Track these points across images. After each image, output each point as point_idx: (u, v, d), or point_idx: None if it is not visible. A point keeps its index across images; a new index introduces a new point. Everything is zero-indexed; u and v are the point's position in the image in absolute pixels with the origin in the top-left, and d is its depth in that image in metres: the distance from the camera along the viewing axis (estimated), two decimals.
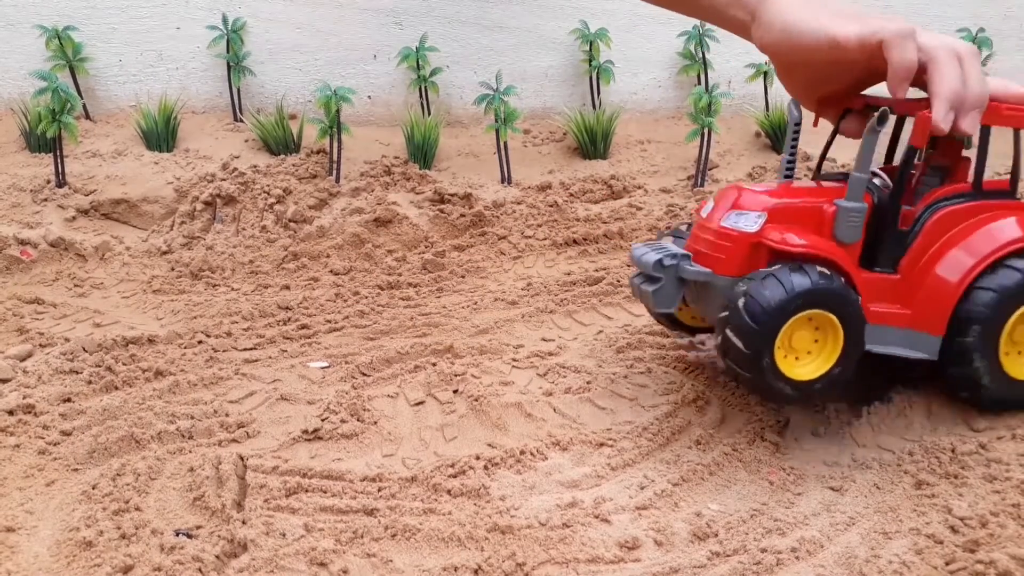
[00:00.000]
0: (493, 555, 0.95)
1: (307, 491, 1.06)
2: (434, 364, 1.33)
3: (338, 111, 1.86)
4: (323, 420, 1.19)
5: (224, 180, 1.80)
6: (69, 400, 1.24)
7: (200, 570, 0.92)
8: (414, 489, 1.07)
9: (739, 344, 1.02)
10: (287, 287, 1.61)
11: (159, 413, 1.21)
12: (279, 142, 1.98)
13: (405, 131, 2.00)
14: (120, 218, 1.82)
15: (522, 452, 1.13)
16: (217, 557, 0.94)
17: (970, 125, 1.03)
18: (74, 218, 1.78)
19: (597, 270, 1.67)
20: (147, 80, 2.15)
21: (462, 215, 1.79)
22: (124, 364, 1.33)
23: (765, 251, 1.07)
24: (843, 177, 1.14)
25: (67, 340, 1.40)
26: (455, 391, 1.27)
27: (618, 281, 1.62)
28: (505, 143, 1.95)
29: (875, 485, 1.07)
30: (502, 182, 1.96)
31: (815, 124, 1.18)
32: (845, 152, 2.00)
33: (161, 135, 2.00)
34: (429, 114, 2.12)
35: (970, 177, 1.11)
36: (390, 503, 1.04)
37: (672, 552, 0.97)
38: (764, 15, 1.12)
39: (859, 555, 0.95)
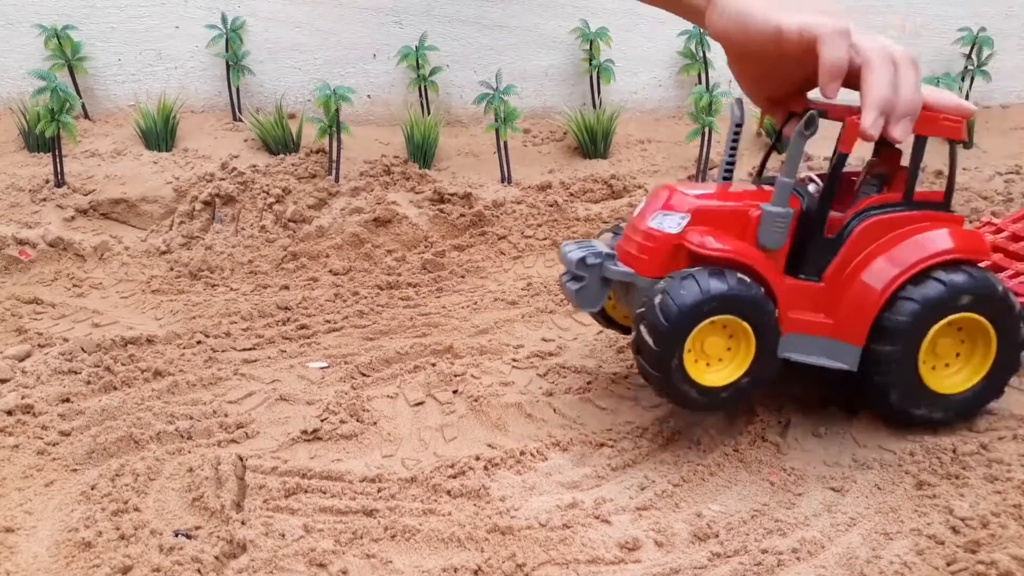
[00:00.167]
0: (493, 556, 0.95)
1: (306, 492, 1.06)
2: (434, 364, 1.33)
3: (337, 110, 1.85)
4: (322, 420, 1.19)
5: (223, 180, 1.80)
6: (68, 400, 1.24)
7: (199, 571, 0.92)
8: (414, 490, 1.07)
9: (650, 342, 1.01)
10: (286, 287, 1.60)
11: (158, 413, 1.21)
12: (278, 141, 1.97)
13: (405, 130, 1.99)
14: (119, 218, 1.82)
15: (522, 453, 1.13)
16: (216, 558, 0.94)
17: (901, 132, 1.01)
18: (73, 218, 1.77)
19: None
20: (146, 79, 2.14)
21: (462, 215, 1.79)
22: (123, 364, 1.32)
23: (686, 253, 1.06)
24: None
25: (66, 340, 1.40)
26: (455, 391, 1.27)
27: None
28: (505, 143, 1.95)
29: (876, 486, 1.06)
30: (502, 182, 1.95)
31: (759, 127, 1.17)
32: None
33: (160, 135, 1.99)
34: (429, 113, 2.12)
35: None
36: (390, 504, 1.04)
37: (673, 553, 0.97)
38: (720, 3, 1.10)
39: (860, 556, 0.95)
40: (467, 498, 1.05)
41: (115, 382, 1.28)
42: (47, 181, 1.83)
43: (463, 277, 1.65)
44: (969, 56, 2.19)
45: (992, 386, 1.12)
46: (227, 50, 2.10)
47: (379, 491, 1.06)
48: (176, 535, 0.98)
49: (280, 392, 1.27)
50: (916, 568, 0.93)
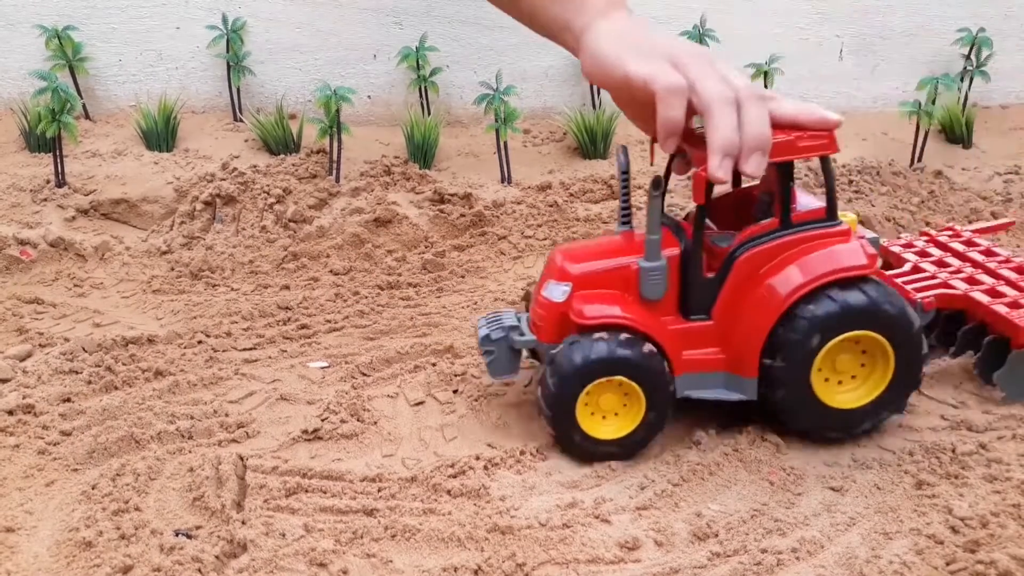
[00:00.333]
0: (493, 555, 0.95)
1: (307, 491, 1.06)
2: (434, 364, 1.33)
3: (338, 111, 1.85)
4: (323, 420, 1.19)
5: (224, 180, 1.80)
6: (69, 400, 1.24)
7: (200, 570, 0.92)
8: (414, 489, 1.07)
9: (544, 406, 1.09)
10: (287, 287, 1.61)
11: (159, 413, 1.21)
12: (279, 142, 1.97)
13: (405, 131, 1.99)
14: (120, 218, 1.82)
15: (522, 452, 1.13)
16: (217, 557, 0.94)
17: (753, 167, 1.00)
18: (74, 218, 1.77)
19: None
20: (147, 80, 2.14)
21: (462, 215, 1.79)
22: (124, 364, 1.33)
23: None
24: (675, 224, 1.13)
25: (67, 340, 1.40)
26: (455, 391, 1.27)
27: None
28: (505, 143, 1.95)
29: (876, 485, 1.07)
30: (502, 182, 1.96)
31: (651, 163, 1.17)
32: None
33: (161, 135, 1.99)
34: (429, 114, 2.12)
35: (805, 203, 1.10)
36: (390, 503, 1.04)
37: (672, 552, 0.97)
38: (584, 44, 1.11)
39: (860, 555, 0.95)
40: (467, 498, 1.05)
41: (116, 382, 1.29)
42: (48, 181, 1.83)
43: (463, 277, 1.65)
44: (968, 56, 2.19)
45: (891, 402, 1.11)
46: (228, 51, 2.10)
47: (379, 491, 1.06)
48: (177, 535, 0.98)
49: (281, 392, 1.28)
50: (915, 568, 0.93)
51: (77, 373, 1.29)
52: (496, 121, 1.94)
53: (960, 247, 1.35)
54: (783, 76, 2.16)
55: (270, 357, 1.37)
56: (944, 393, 1.24)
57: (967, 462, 1.09)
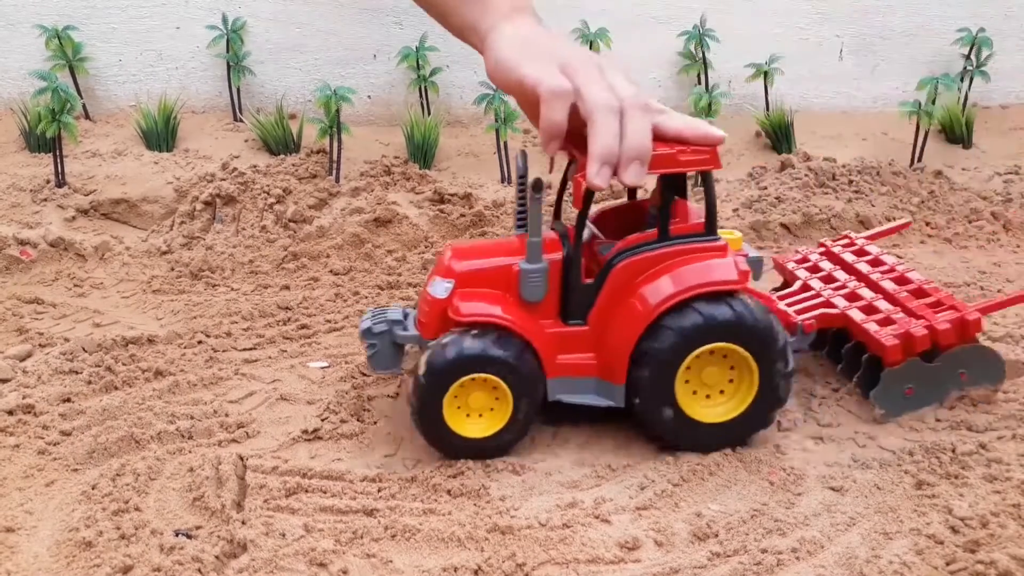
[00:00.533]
0: (493, 555, 0.95)
1: (307, 491, 1.06)
2: None
3: (338, 111, 1.85)
4: (323, 420, 1.19)
5: (224, 180, 1.80)
6: (69, 400, 1.24)
7: (200, 570, 0.92)
8: (414, 489, 1.07)
9: (413, 399, 1.09)
10: (287, 287, 1.61)
11: (159, 413, 1.21)
12: (279, 142, 1.97)
13: (405, 131, 1.99)
14: (120, 218, 1.82)
15: (522, 452, 1.13)
16: (217, 557, 0.94)
17: (631, 177, 1.01)
18: (74, 218, 1.78)
19: None
20: (147, 80, 2.14)
21: (462, 215, 1.79)
22: (124, 364, 1.33)
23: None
24: (564, 230, 1.14)
25: (67, 340, 1.40)
26: None
27: None
28: (505, 143, 1.95)
29: (875, 485, 1.07)
30: (502, 182, 1.96)
31: (550, 170, 1.17)
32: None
33: (161, 135, 1.99)
34: (429, 114, 2.12)
35: (695, 218, 1.11)
36: (390, 503, 1.04)
37: (672, 552, 0.97)
38: (487, 46, 1.13)
39: (859, 555, 0.95)
40: (467, 498, 1.05)
41: (116, 382, 1.29)
42: (48, 181, 1.84)
43: None
44: (968, 56, 2.19)
45: (757, 417, 1.12)
46: (228, 51, 2.10)
47: (379, 491, 1.06)
48: (177, 535, 0.98)
49: (281, 392, 1.28)
50: (915, 568, 0.93)
51: (77, 373, 1.29)
52: (496, 121, 1.94)
53: (851, 258, 1.33)
54: (783, 76, 2.16)
55: (270, 357, 1.37)
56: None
57: (967, 462, 1.09)
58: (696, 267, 1.07)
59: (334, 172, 1.86)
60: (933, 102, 1.97)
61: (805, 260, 1.37)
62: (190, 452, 1.14)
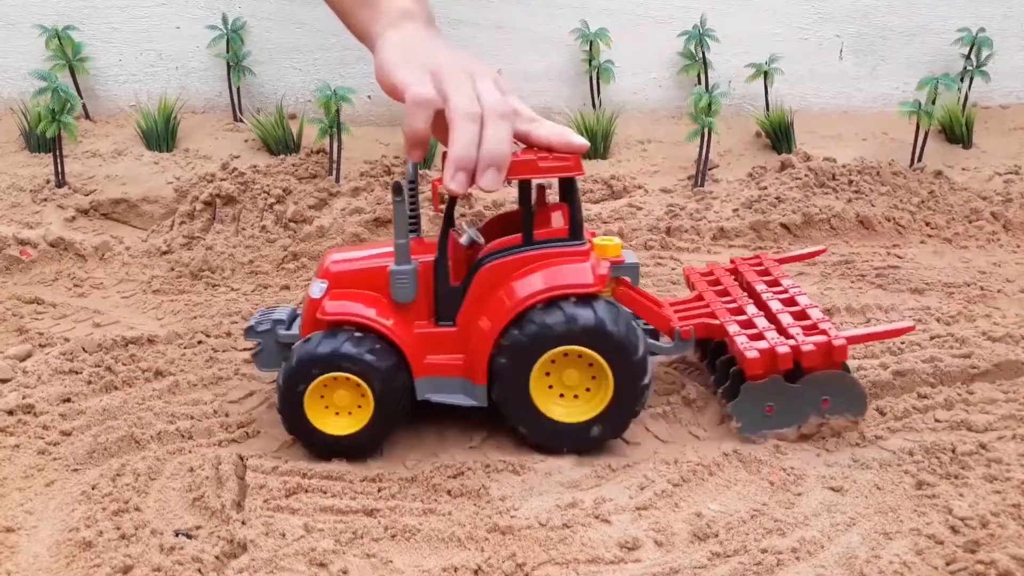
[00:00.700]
0: (493, 555, 0.95)
1: (307, 491, 1.06)
2: None
3: (338, 111, 1.86)
4: None
5: (224, 180, 1.80)
6: (69, 400, 1.24)
7: (200, 570, 0.92)
8: (414, 489, 1.07)
9: (277, 396, 1.11)
10: (287, 287, 1.61)
11: (159, 413, 1.21)
12: (279, 142, 1.98)
13: None
14: (120, 218, 1.82)
15: (522, 452, 1.13)
16: (217, 557, 0.94)
17: (488, 183, 1.02)
18: (74, 218, 1.78)
19: None
20: (147, 80, 2.14)
21: (462, 215, 1.79)
22: (124, 364, 1.33)
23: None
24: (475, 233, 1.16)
25: (67, 340, 1.40)
26: None
27: None
28: None
29: (875, 485, 1.07)
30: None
31: (434, 202, 1.18)
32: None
33: (161, 135, 1.99)
34: None
35: (557, 223, 1.13)
36: (390, 503, 1.04)
37: (672, 552, 0.97)
38: (376, 50, 1.15)
39: (859, 555, 0.95)
40: (467, 498, 1.05)
41: (116, 382, 1.29)
42: (48, 181, 1.84)
43: None
44: (968, 56, 2.19)
45: (610, 423, 1.12)
46: (228, 51, 2.10)
47: (379, 491, 1.06)
48: (177, 535, 0.98)
49: None
50: (915, 568, 0.93)
51: (77, 373, 1.29)
52: None
53: (752, 277, 1.33)
54: (783, 76, 2.16)
55: None
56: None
57: (967, 462, 1.09)
58: (553, 271, 1.10)
59: (334, 172, 1.86)
60: (933, 102, 1.97)
61: (710, 273, 1.38)
62: (190, 452, 1.14)
